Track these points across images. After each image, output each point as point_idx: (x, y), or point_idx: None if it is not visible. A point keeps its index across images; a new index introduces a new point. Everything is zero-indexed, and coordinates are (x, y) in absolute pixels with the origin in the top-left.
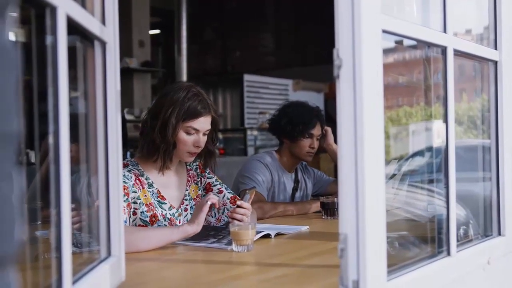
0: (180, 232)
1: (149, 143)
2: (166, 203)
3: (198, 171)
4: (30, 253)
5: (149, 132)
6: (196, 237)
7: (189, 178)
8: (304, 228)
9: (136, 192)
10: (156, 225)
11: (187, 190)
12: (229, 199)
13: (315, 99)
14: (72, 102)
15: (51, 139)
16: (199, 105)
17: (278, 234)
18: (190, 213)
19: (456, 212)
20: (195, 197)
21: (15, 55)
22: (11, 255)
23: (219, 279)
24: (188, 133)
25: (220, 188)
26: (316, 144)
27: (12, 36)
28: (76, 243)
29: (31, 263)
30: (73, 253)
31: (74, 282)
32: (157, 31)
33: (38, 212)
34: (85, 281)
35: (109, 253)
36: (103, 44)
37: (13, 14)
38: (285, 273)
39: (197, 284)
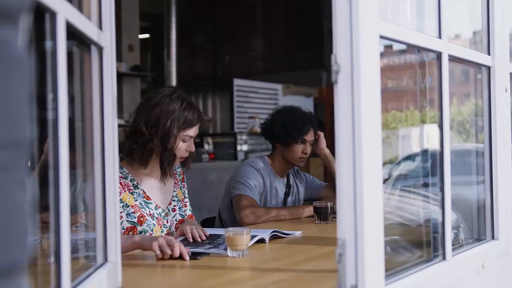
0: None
1: (148, 153)
2: (151, 203)
3: (180, 177)
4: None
5: (146, 142)
6: (192, 244)
7: (176, 181)
8: (298, 233)
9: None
10: (145, 224)
11: (174, 191)
12: (186, 216)
13: (304, 104)
14: (69, 107)
15: (50, 144)
16: (195, 114)
17: (273, 237)
18: (179, 213)
19: None
20: (182, 199)
21: (28, 63)
22: (23, 261)
23: (215, 284)
24: (184, 141)
25: (187, 202)
26: (308, 149)
27: (24, 43)
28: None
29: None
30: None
31: None
32: (146, 35)
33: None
34: (82, 287)
35: (105, 259)
36: (100, 49)
37: (26, 21)
38: (281, 278)
39: None
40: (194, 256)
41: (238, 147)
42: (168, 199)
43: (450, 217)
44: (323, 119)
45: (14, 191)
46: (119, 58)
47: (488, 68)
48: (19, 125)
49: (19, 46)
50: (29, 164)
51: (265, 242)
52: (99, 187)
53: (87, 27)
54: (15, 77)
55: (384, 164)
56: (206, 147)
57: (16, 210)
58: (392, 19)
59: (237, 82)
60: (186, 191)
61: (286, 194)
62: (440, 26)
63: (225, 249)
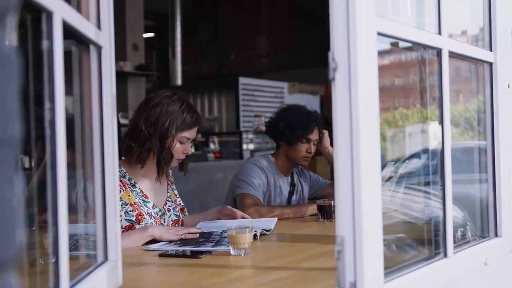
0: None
1: (146, 151)
2: (149, 202)
3: (172, 179)
4: (26, 258)
5: (144, 140)
6: (190, 244)
7: (169, 183)
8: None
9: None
10: (143, 223)
11: (168, 192)
12: (172, 221)
13: (310, 102)
14: (67, 106)
15: (48, 144)
16: (194, 117)
17: (262, 234)
18: (174, 214)
19: (453, 215)
20: (174, 200)
21: (16, 61)
22: (12, 258)
23: (216, 282)
24: (181, 143)
25: (180, 200)
26: (313, 148)
27: (12, 42)
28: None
29: (27, 268)
30: (70, 258)
31: (71, 287)
32: (151, 34)
33: (34, 217)
34: (82, 286)
35: (106, 258)
36: (99, 48)
37: (13, 20)
38: (282, 276)
39: None
40: (196, 254)
41: (244, 146)
42: (163, 200)
43: (452, 214)
44: (329, 117)
45: (1, 188)
46: (123, 57)
47: (490, 64)
48: (7, 123)
49: (7, 45)
50: (26, 163)
51: (257, 239)
52: (99, 186)
53: (84, 26)
54: (3, 75)
55: (390, 161)
56: (212, 146)
57: (4, 207)
58: (392, 16)
59: (242, 80)
60: (176, 191)
61: (291, 193)
62: (440, 22)
63: (228, 246)
